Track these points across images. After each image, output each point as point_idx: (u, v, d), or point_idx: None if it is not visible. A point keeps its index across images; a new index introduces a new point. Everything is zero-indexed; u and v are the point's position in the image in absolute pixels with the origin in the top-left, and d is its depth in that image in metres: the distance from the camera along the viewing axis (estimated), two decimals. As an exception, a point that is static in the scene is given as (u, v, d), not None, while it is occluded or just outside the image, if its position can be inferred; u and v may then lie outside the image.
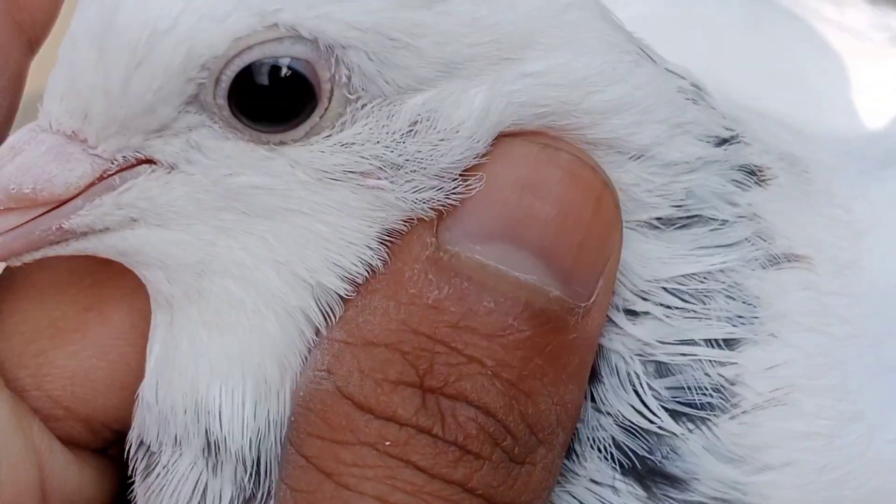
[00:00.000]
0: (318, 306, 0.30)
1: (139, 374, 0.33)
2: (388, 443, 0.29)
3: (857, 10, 0.50)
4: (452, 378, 0.29)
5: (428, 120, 0.29)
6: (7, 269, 0.33)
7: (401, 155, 0.29)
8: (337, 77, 0.28)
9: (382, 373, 0.29)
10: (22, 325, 0.33)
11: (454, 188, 0.29)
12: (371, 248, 0.30)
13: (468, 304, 0.29)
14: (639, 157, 0.31)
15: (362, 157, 0.29)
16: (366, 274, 0.30)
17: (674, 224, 0.32)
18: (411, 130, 0.29)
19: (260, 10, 0.28)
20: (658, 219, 0.32)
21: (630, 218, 0.31)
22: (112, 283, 0.34)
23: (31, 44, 0.34)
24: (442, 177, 0.29)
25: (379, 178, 0.29)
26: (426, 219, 0.30)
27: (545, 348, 0.29)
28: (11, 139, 0.31)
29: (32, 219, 0.30)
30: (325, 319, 0.30)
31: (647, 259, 0.32)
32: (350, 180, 0.29)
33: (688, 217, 0.32)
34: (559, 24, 0.30)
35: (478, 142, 0.29)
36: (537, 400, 0.29)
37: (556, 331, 0.29)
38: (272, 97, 0.28)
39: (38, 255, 0.31)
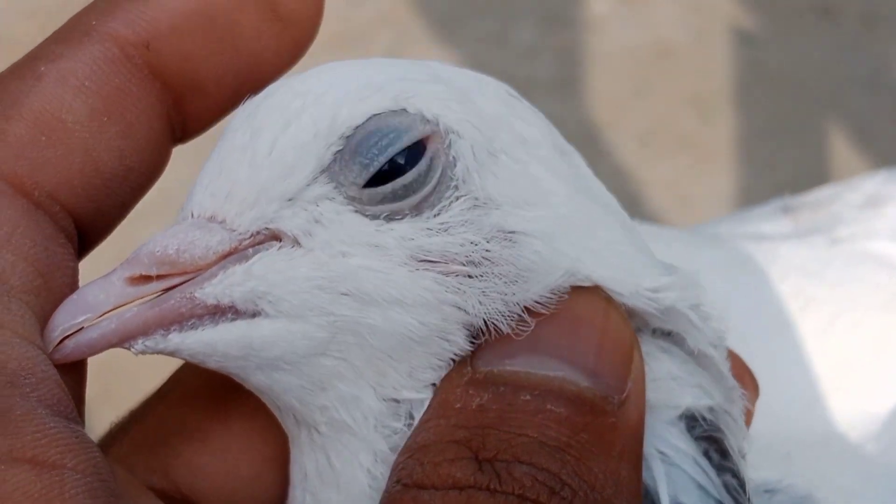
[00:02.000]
0: (404, 423, 0.33)
1: (253, 478, 0.36)
2: None
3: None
4: (504, 447, 0.31)
5: (509, 241, 0.33)
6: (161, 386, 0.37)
7: (488, 251, 0.33)
8: (446, 154, 0.33)
9: (440, 456, 0.31)
10: (158, 424, 0.37)
11: (517, 313, 0.33)
12: (439, 362, 0.33)
13: (508, 400, 0.32)
14: None
15: (457, 243, 0.32)
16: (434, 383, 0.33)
17: None
18: (495, 238, 0.33)
19: (394, 95, 0.33)
20: None
21: None
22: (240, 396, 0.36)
23: (177, 139, 0.36)
24: (513, 292, 0.33)
25: (463, 266, 0.33)
26: (457, 363, 0.33)
27: (586, 426, 0.32)
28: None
29: (170, 287, 0.32)
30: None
31: None
32: (439, 269, 0.32)
33: None
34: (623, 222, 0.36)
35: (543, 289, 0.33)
36: (590, 465, 0.31)
37: (593, 412, 0.32)
38: (391, 161, 0.32)
39: (164, 343, 0.32)
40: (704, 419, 0.35)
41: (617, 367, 0.33)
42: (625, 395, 0.32)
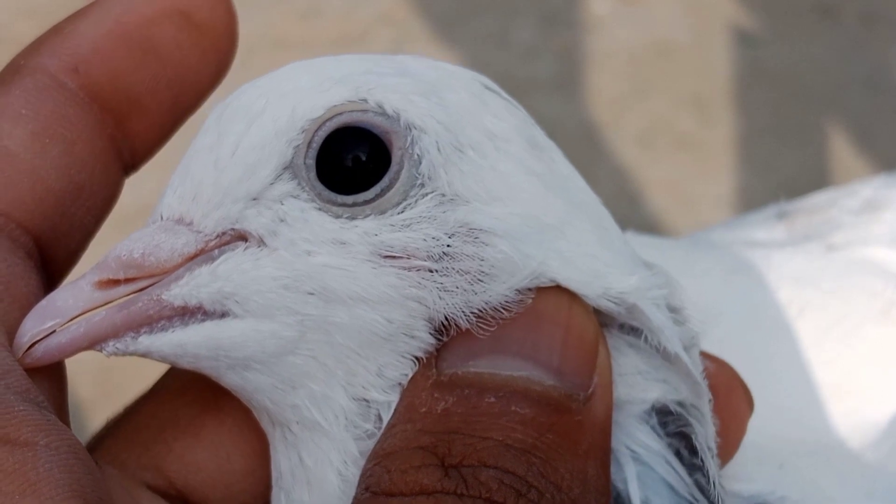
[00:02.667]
0: (374, 425, 0.33)
1: (246, 472, 0.37)
2: None
3: None
4: (469, 452, 0.31)
5: (472, 237, 0.33)
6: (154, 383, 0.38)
7: (449, 246, 0.33)
8: (409, 152, 0.33)
9: (407, 463, 0.31)
10: (150, 419, 0.37)
11: (480, 310, 0.33)
12: (403, 359, 0.33)
13: (473, 403, 0.32)
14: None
15: (419, 238, 0.32)
16: (401, 382, 0.33)
17: None
18: (458, 234, 0.33)
19: (355, 87, 0.33)
20: None
21: None
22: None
23: (127, 168, 0.37)
24: (474, 290, 0.33)
25: (424, 261, 0.32)
26: (424, 361, 0.33)
27: (552, 426, 0.32)
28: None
29: (137, 290, 0.32)
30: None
31: None
32: (401, 263, 0.32)
33: None
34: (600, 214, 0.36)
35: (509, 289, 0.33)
36: (556, 466, 0.31)
37: (558, 411, 0.32)
38: (352, 157, 0.33)
39: (134, 345, 0.33)
40: (673, 413, 0.35)
41: (581, 364, 0.33)
42: (590, 391, 0.33)
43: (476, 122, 0.34)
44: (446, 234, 0.33)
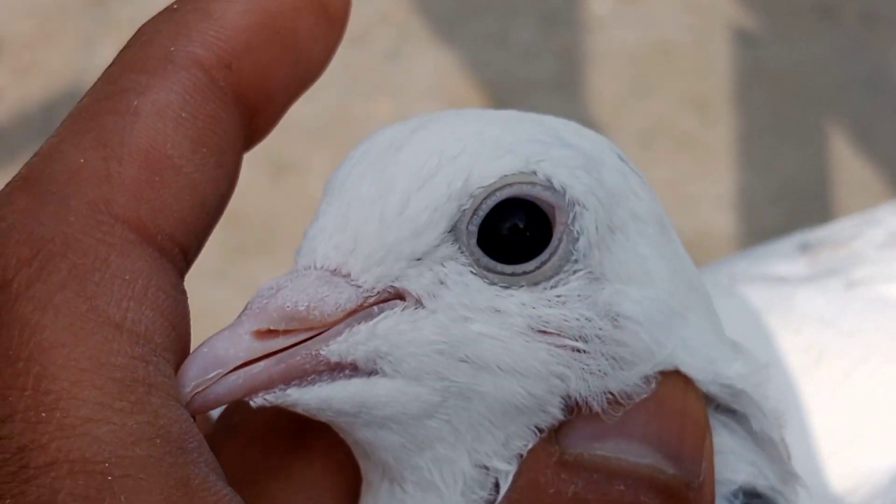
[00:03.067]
0: (489, 492, 0.34)
1: None
2: None
3: None
4: None
5: (615, 321, 0.33)
6: (222, 417, 0.37)
7: (601, 329, 0.33)
8: (570, 228, 0.33)
9: None
10: (240, 460, 0.36)
11: (611, 393, 0.33)
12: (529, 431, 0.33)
13: (603, 490, 0.32)
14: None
15: (573, 317, 0.33)
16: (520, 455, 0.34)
17: None
18: (607, 316, 0.33)
19: (525, 158, 0.33)
20: None
21: None
22: (315, 432, 0.36)
23: (248, 140, 0.35)
24: (612, 373, 0.33)
25: (576, 341, 0.33)
26: (545, 435, 0.33)
27: None
28: (273, 280, 0.33)
29: (296, 343, 0.32)
30: None
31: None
32: (553, 340, 0.33)
33: None
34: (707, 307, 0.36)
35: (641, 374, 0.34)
36: None
37: (681, 502, 0.32)
38: (512, 227, 0.33)
39: (283, 397, 0.32)
40: (760, 496, 0.35)
41: (696, 450, 0.33)
42: (702, 477, 0.33)
43: (623, 202, 0.34)
44: (598, 315, 0.33)
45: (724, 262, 0.59)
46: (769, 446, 0.35)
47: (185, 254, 0.33)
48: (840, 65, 1.54)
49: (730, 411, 0.35)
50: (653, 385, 0.33)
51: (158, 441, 0.29)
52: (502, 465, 0.33)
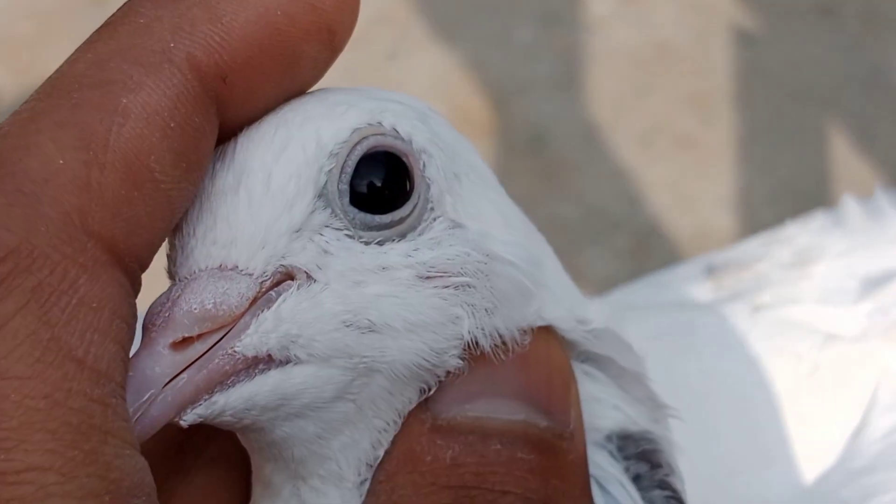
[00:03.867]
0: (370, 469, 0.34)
1: None
2: None
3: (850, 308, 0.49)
4: None
5: (493, 261, 0.33)
6: None
7: (481, 262, 0.33)
8: (422, 175, 0.33)
9: None
10: None
11: (504, 331, 0.34)
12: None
13: (480, 451, 0.32)
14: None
15: (452, 253, 0.33)
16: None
17: None
18: (483, 253, 0.33)
19: (369, 111, 0.33)
20: None
21: None
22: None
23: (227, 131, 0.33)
24: (501, 311, 0.33)
25: (462, 276, 0.33)
26: (415, 406, 0.33)
27: (555, 470, 0.32)
28: (160, 297, 0.31)
29: (211, 346, 0.31)
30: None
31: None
32: (441, 283, 0.33)
33: None
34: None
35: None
36: None
37: (556, 454, 0.32)
38: (379, 180, 0.33)
39: (211, 407, 0.31)
40: (633, 437, 0.35)
41: (563, 400, 0.33)
42: (572, 426, 0.33)
43: (460, 152, 0.35)
44: (474, 250, 0.33)
45: (627, 290, 0.58)
46: (636, 384, 0.36)
47: (142, 272, 0.31)
48: (840, 65, 1.54)
49: (591, 359, 0.36)
50: (528, 338, 0.33)
51: (107, 498, 0.27)
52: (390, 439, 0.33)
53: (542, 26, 1.60)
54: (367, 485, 0.33)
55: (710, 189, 1.44)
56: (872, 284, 0.48)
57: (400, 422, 0.33)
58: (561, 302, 0.35)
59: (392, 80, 1.54)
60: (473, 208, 0.34)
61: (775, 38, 1.58)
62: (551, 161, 1.46)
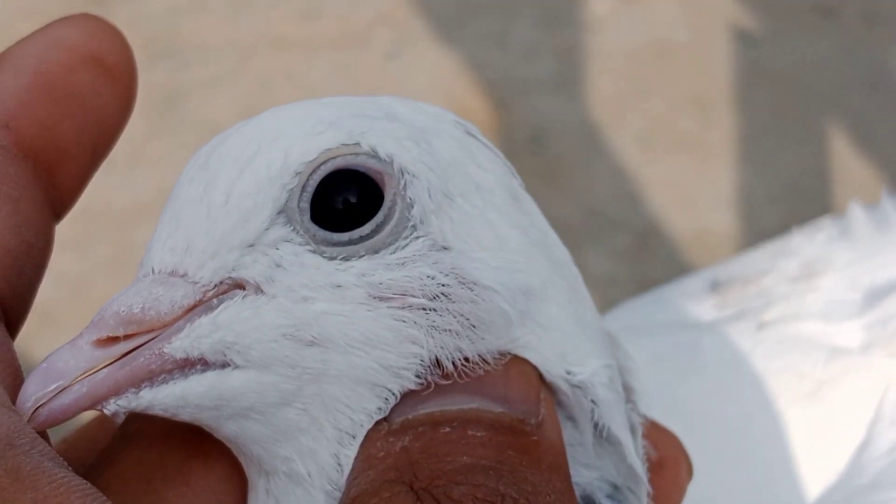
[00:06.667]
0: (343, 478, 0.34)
1: None
2: None
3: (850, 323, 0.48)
4: (437, 474, 0.31)
5: (467, 285, 0.33)
6: (121, 427, 0.36)
7: (444, 286, 0.33)
8: (402, 194, 0.33)
9: (376, 498, 0.31)
10: (136, 468, 0.36)
11: (471, 356, 0.33)
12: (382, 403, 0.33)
13: (429, 435, 0.32)
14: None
15: (414, 276, 0.33)
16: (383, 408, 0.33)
17: None
18: (452, 275, 0.33)
19: (347, 130, 0.33)
20: None
21: None
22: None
23: (56, 218, 0.36)
24: (470, 335, 0.33)
25: (420, 299, 0.33)
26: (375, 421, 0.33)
27: (511, 444, 0.32)
28: (115, 295, 0.33)
29: (137, 346, 0.32)
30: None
31: None
32: (396, 303, 0.32)
33: None
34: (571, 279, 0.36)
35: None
36: (525, 476, 0.31)
37: (514, 433, 0.32)
38: (345, 200, 0.33)
39: (136, 401, 0.32)
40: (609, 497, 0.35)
41: (527, 394, 0.33)
42: (540, 418, 0.33)
43: (463, 171, 0.34)
44: (442, 272, 0.33)
45: (629, 307, 0.57)
46: (616, 445, 0.35)
47: (5, 309, 0.33)
48: (840, 65, 1.54)
49: (573, 418, 0.35)
50: (503, 362, 0.33)
51: None
52: (351, 451, 0.33)
53: (542, 26, 1.60)
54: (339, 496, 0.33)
55: (710, 189, 1.44)
56: (878, 295, 0.48)
57: (362, 435, 0.33)
58: (552, 345, 0.34)
59: (392, 80, 1.54)
60: (464, 230, 0.34)
61: (776, 38, 1.58)
62: (551, 161, 1.46)
